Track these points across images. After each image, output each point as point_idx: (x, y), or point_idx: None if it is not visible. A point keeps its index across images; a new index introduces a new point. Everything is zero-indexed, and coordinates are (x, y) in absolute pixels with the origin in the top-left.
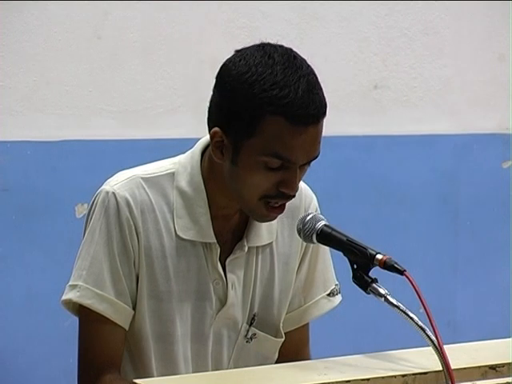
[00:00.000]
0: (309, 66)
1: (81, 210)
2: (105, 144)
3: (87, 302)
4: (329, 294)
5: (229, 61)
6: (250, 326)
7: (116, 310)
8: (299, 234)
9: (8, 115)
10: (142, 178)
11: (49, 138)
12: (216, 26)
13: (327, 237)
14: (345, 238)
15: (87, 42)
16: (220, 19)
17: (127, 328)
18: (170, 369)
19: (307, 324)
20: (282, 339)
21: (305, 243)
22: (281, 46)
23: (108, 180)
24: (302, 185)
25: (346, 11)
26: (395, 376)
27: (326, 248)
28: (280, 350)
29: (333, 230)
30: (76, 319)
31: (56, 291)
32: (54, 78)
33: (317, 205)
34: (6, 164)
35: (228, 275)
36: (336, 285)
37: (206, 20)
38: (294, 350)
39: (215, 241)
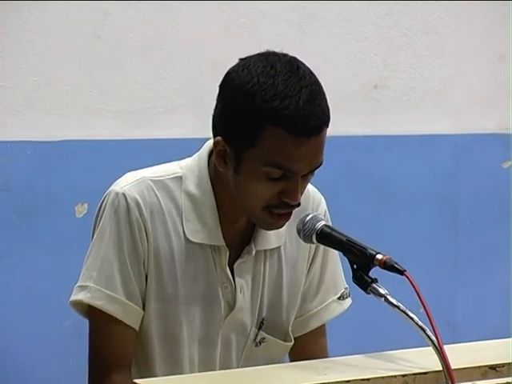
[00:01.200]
0: (312, 75)
1: (81, 210)
2: (105, 144)
3: (98, 303)
4: (339, 298)
5: (232, 70)
6: (258, 329)
7: (127, 311)
8: (299, 234)
9: (8, 115)
10: (151, 180)
11: (49, 137)
12: (216, 26)
13: (327, 237)
14: (344, 238)
15: (87, 42)
16: (220, 19)
17: (137, 329)
18: (174, 371)
19: (323, 332)
20: (291, 343)
21: (313, 247)
22: (284, 55)
23: (117, 181)
24: (309, 187)
25: (346, 11)
26: (395, 376)
27: (335, 251)
28: (298, 358)
29: (332, 230)
30: (76, 319)
31: (56, 291)
32: (54, 78)
33: (325, 207)
34: (6, 164)
35: (236, 279)
36: (346, 288)
37: (206, 20)
38: (311, 357)
39: (224, 244)
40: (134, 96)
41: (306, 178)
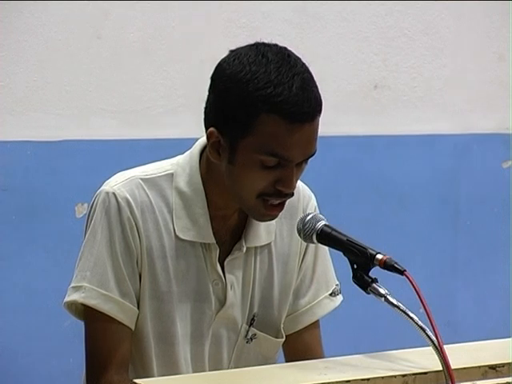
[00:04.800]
0: (303, 64)
1: (81, 210)
2: (105, 144)
3: (92, 302)
4: (331, 294)
5: (223, 61)
6: (249, 326)
7: (121, 310)
8: (299, 234)
9: (8, 115)
10: (141, 179)
11: (49, 138)
12: (216, 26)
13: (327, 237)
14: (345, 238)
15: (87, 41)
16: (220, 19)
17: (133, 328)
18: (170, 370)
19: (317, 325)
20: (283, 339)
21: (304, 243)
22: (275, 45)
23: (107, 181)
24: (300, 184)
25: (346, 11)
26: (395, 376)
27: (326, 248)
28: (292, 351)
29: (333, 229)
30: (76, 319)
31: (56, 291)
32: (54, 77)
33: (315, 204)
34: (6, 164)
35: (227, 276)
36: (337, 285)
37: (205, 20)
38: (305, 351)
39: (214, 241)
40: (134, 96)
41: (300, 166)
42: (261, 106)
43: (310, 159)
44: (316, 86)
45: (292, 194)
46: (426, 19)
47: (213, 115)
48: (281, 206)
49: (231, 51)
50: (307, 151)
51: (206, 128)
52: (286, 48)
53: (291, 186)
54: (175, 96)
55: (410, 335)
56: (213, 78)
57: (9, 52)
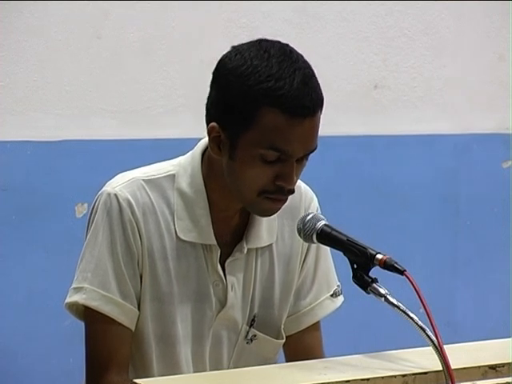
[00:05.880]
0: (305, 60)
1: (81, 210)
2: (105, 144)
3: (93, 303)
4: (332, 295)
5: (225, 56)
6: (250, 327)
7: (122, 311)
8: (299, 234)
9: (8, 115)
10: (143, 180)
11: (49, 138)
12: (216, 26)
13: (327, 236)
14: (345, 238)
15: (87, 41)
16: (220, 19)
17: (133, 329)
18: (171, 370)
19: (318, 326)
20: (283, 341)
21: (306, 244)
22: (278, 42)
23: (109, 182)
24: (301, 185)
25: (346, 11)
26: (395, 376)
27: (327, 249)
28: (293, 352)
29: (333, 229)
30: (76, 319)
31: (56, 291)
32: (54, 77)
33: (317, 205)
34: (6, 164)
35: (228, 277)
36: (338, 286)
37: (205, 20)
38: (306, 352)
39: (215, 242)
40: (134, 96)
41: (300, 162)
42: (262, 100)
43: (311, 159)
44: (317, 82)
45: (293, 191)
46: (426, 19)
47: (214, 110)
48: (283, 200)
49: (233, 47)
50: (308, 146)
51: (207, 123)
52: (288, 45)
53: (291, 181)
54: (175, 96)
55: (410, 335)
56: (214, 73)
57: (9, 52)
